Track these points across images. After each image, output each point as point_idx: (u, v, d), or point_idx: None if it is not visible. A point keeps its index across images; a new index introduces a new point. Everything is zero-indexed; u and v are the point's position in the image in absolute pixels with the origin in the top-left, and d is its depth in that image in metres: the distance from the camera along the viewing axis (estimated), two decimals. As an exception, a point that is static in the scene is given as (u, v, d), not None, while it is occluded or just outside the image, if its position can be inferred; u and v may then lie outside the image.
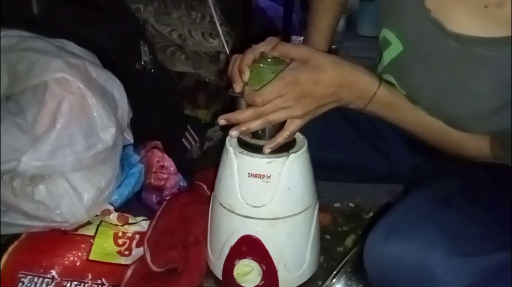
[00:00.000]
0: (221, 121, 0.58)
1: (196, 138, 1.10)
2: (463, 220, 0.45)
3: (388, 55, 0.56)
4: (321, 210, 0.85)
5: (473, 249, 0.42)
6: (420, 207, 0.47)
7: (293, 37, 1.74)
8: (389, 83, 0.58)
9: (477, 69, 0.46)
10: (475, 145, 0.54)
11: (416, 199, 0.49)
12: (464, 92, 0.48)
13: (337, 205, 1.00)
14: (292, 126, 0.58)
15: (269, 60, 0.57)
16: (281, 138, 0.58)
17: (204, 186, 0.87)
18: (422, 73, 0.52)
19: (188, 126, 1.08)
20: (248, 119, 0.56)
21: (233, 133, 0.58)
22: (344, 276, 0.61)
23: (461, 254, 0.41)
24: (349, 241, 0.87)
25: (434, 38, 0.48)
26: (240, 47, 0.61)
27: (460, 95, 0.48)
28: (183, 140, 1.06)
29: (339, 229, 0.92)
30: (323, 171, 0.70)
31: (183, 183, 0.89)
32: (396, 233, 0.45)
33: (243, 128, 0.57)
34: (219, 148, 0.66)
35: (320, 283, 0.72)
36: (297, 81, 0.53)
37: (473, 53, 0.45)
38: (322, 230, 0.87)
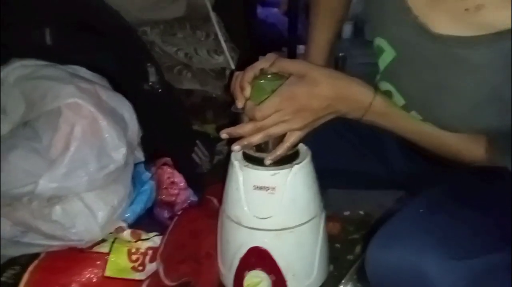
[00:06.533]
0: (223, 135, 0.61)
1: (206, 153, 1.12)
2: (455, 224, 0.46)
3: (383, 62, 0.58)
4: (330, 219, 0.86)
5: (465, 252, 0.43)
6: (414, 214, 0.48)
7: (300, 46, 1.76)
8: (387, 91, 0.59)
9: (459, 68, 0.47)
10: (471, 150, 0.55)
11: (411, 207, 0.50)
12: (451, 91, 0.50)
13: (346, 213, 1.00)
14: (292, 138, 0.60)
15: (269, 76, 0.59)
16: (282, 150, 0.60)
17: (214, 200, 0.89)
18: (414, 76, 0.53)
19: (197, 142, 1.11)
20: (249, 133, 0.58)
21: (236, 147, 0.60)
22: (350, 283, 0.62)
23: (454, 257, 0.42)
24: (359, 249, 0.87)
25: (420, 41, 0.50)
26: (245, 62, 0.63)
27: (448, 94, 0.50)
28: (193, 155, 1.09)
29: (349, 238, 0.92)
30: (328, 179, 0.71)
31: (194, 198, 0.91)
32: (393, 241, 0.46)
33: (245, 142, 0.59)
34: (228, 162, 0.67)
35: (330, 292, 0.72)
36: (294, 95, 0.55)
37: (455, 53, 0.47)
38: (332, 239, 0.88)
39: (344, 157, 0.78)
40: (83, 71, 0.82)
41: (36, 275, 0.70)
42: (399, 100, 0.57)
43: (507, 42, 0.43)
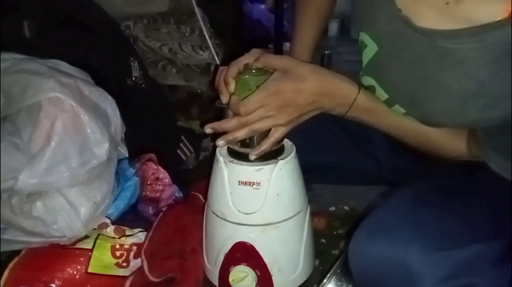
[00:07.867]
0: (208, 129, 0.60)
1: (191, 149, 1.12)
2: (438, 216, 0.47)
3: (365, 57, 0.58)
4: (316, 214, 0.86)
5: (448, 243, 0.44)
6: (398, 206, 0.49)
7: (286, 44, 1.77)
8: (370, 85, 0.60)
9: (443, 62, 0.48)
10: (452, 145, 0.56)
11: (395, 200, 0.50)
12: (435, 85, 0.50)
13: (332, 209, 1.01)
14: (276, 133, 0.59)
15: (253, 71, 0.59)
16: (266, 145, 0.60)
17: (200, 196, 0.88)
18: (397, 70, 0.54)
19: (183, 138, 1.10)
20: (233, 128, 0.58)
21: (220, 142, 0.59)
22: (334, 276, 0.62)
23: (437, 249, 0.43)
24: (344, 244, 0.88)
25: (404, 34, 0.50)
26: (231, 58, 0.62)
27: (432, 89, 0.50)
28: (178, 151, 1.08)
29: (334, 233, 0.94)
30: (316, 174, 0.71)
31: (179, 194, 0.90)
32: (376, 233, 0.47)
33: (230, 137, 0.59)
34: (214, 158, 0.67)
35: (315, 286, 0.73)
36: (279, 91, 0.55)
37: (438, 46, 0.47)
38: (318, 234, 0.89)
39: (333, 153, 0.78)
40: (63, 65, 0.80)
41: (17, 272, 0.68)
42: (382, 94, 0.57)
43: (489, 35, 0.43)
